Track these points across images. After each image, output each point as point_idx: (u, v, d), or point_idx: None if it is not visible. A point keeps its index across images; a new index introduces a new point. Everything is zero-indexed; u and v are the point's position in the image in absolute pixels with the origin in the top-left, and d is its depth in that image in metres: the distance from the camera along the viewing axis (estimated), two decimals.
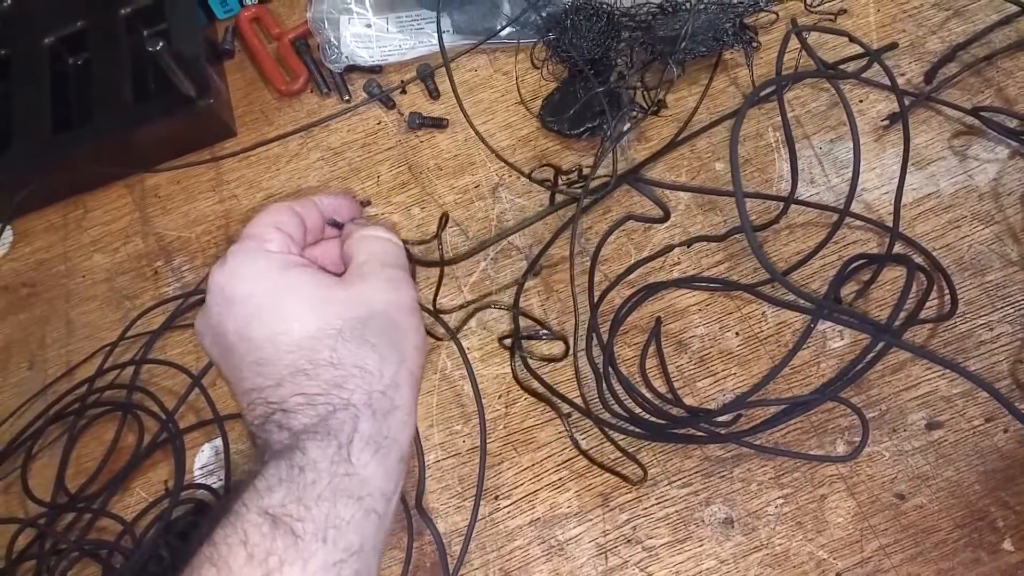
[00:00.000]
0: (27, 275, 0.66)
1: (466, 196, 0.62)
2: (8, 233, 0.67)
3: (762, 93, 0.61)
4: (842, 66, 0.61)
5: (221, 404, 0.57)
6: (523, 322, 0.57)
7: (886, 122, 0.60)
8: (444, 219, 0.50)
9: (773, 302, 0.54)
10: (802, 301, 0.52)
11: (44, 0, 0.74)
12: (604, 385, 0.53)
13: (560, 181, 0.59)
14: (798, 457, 0.50)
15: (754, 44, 0.63)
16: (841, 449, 0.50)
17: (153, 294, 0.63)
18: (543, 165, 0.60)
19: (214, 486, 0.54)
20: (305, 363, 0.35)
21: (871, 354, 0.50)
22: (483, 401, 0.54)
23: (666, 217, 0.50)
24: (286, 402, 0.35)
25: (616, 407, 0.53)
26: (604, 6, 0.65)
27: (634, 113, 0.63)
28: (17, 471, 0.57)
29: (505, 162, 0.60)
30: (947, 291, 0.53)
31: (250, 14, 0.74)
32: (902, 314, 0.51)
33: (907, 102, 0.59)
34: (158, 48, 0.61)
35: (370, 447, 0.34)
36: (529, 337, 0.56)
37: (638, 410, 0.52)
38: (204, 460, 0.56)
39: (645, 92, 0.63)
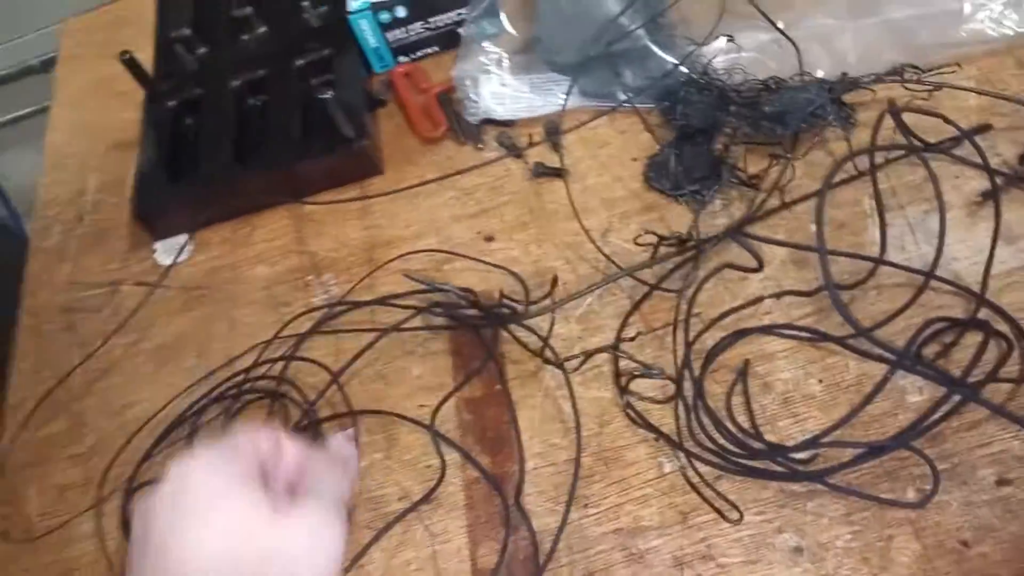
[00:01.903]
0: (201, 279, 0.77)
1: (578, 239, 0.70)
2: (191, 243, 0.79)
3: (850, 160, 0.66)
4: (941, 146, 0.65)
5: (355, 400, 0.65)
6: (626, 362, 0.63)
7: (979, 198, 0.64)
8: (555, 281, 0.62)
9: (855, 351, 0.59)
10: (884, 352, 0.56)
11: (235, 51, 0.87)
12: (693, 417, 0.58)
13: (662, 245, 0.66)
14: (870, 499, 0.54)
15: (851, 120, 0.68)
16: (911, 495, 0.54)
17: (304, 303, 0.73)
18: (647, 232, 0.67)
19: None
20: None
21: (947, 406, 0.53)
22: (580, 420, 0.60)
23: (760, 267, 0.56)
24: None
25: (702, 437, 0.58)
26: (716, 82, 0.72)
27: (732, 182, 0.69)
28: (181, 442, 0.67)
29: (603, 253, 0.67)
30: None
31: (403, 70, 0.84)
32: (981, 374, 0.54)
33: (1000, 181, 0.63)
34: (327, 96, 0.72)
35: None
36: (643, 375, 0.62)
37: (722, 441, 0.57)
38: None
39: (745, 174, 0.69)
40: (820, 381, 0.59)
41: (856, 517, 0.54)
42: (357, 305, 0.71)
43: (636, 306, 0.65)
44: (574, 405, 0.61)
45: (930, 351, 0.58)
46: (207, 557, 0.37)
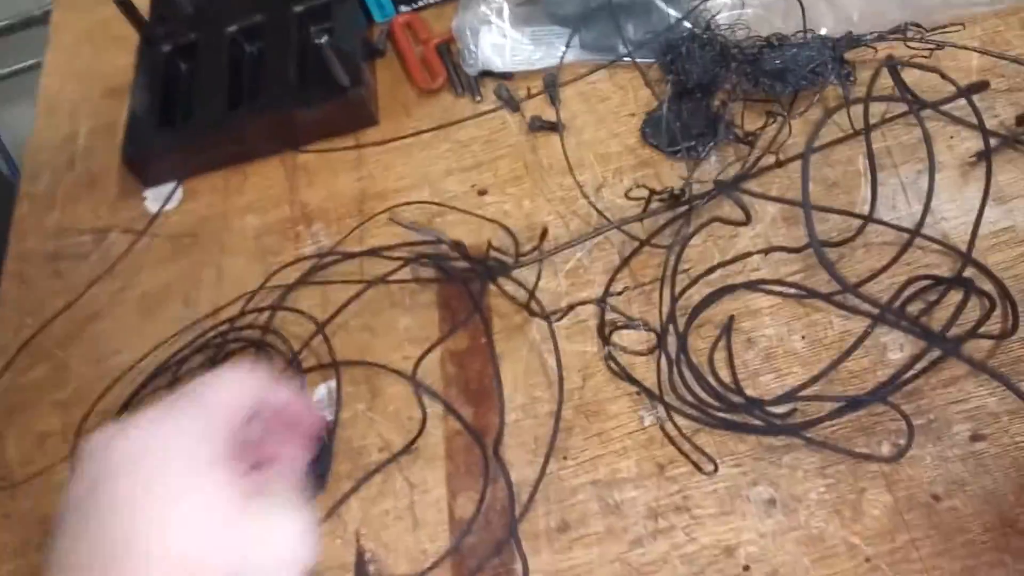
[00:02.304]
0: (191, 227, 0.77)
1: (571, 193, 0.70)
2: (180, 191, 0.79)
3: (843, 110, 0.65)
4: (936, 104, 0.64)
5: (341, 352, 0.66)
6: (611, 315, 0.63)
7: (973, 159, 0.63)
8: (544, 232, 0.62)
9: (841, 307, 0.59)
10: (866, 306, 0.56)
11: None
12: (675, 371, 0.59)
13: (654, 199, 0.65)
14: (845, 453, 0.54)
15: (851, 78, 0.68)
16: (886, 450, 0.54)
17: (292, 253, 0.73)
18: (639, 186, 0.66)
19: (327, 419, 0.63)
20: None
21: (925, 361, 0.54)
22: (563, 373, 0.61)
23: (748, 220, 0.56)
24: None
25: (683, 391, 0.58)
26: (719, 38, 0.71)
27: (728, 139, 0.68)
28: (163, 391, 0.67)
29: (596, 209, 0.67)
30: (1010, 315, 0.56)
31: (404, 20, 0.84)
32: (963, 332, 0.54)
33: (995, 142, 0.62)
34: (323, 41, 0.71)
35: None
36: (625, 327, 0.62)
37: (703, 395, 0.58)
38: (319, 396, 0.65)
39: (742, 131, 0.68)
40: (803, 337, 0.59)
41: (831, 470, 0.54)
42: (346, 256, 0.71)
43: (625, 262, 0.65)
44: (558, 358, 0.61)
45: (914, 308, 0.58)
46: (165, 558, 0.33)
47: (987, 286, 0.57)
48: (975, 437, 0.53)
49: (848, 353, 0.54)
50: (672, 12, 0.74)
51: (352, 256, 0.71)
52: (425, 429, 0.61)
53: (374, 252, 0.70)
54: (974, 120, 0.62)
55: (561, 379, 0.61)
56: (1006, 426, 0.53)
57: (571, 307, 0.63)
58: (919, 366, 0.54)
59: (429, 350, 0.64)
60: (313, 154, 0.78)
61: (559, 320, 0.63)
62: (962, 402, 0.54)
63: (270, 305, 0.70)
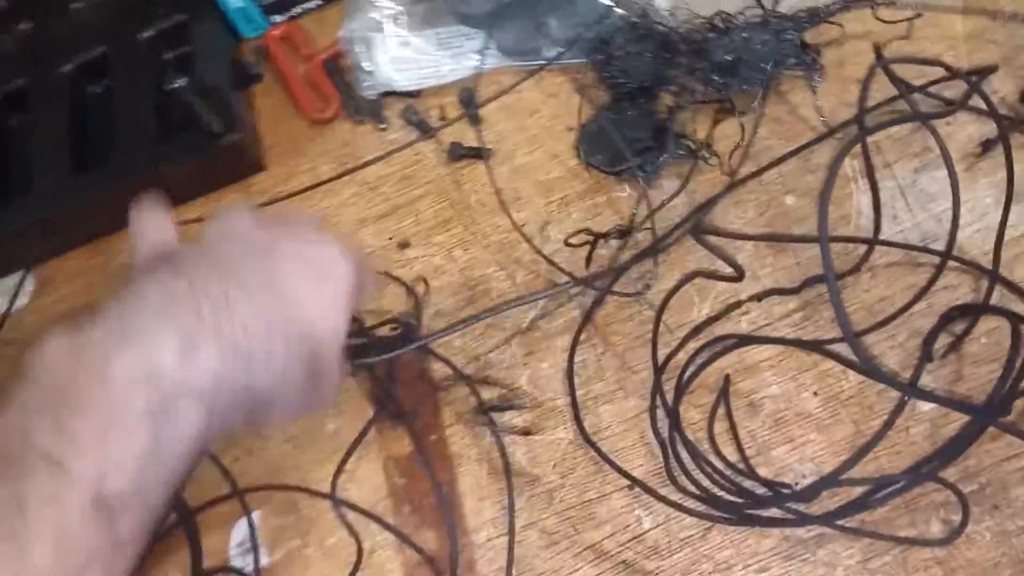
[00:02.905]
0: (50, 327, 0.62)
1: (511, 236, 0.58)
2: (30, 281, 0.64)
3: (847, 139, 0.55)
4: (928, 87, 0.55)
5: (252, 475, 0.53)
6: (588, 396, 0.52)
7: (979, 149, 0.54)
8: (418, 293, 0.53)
9: (852, 367, 0.49)
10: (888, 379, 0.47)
11: (63, 23, 0.70)
12: (671, 456, 0.48)
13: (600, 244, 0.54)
14: (889, 540, 0.45)
15: (817, 66, 0.57)
16: (936, 528, 0.45)
17: None
18: (579, 231, 0.55)
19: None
20: None
21: (970, 432, 0.44)
22: (537, 470, 0.50)
23: (740, 276, 0.45)
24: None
25: (684, 481, 0.48)
26: (658, 26, 0.59)
27: (680, 153, 0.57)
28: None
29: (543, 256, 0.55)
30: None
31: (279, 33, 0.69)
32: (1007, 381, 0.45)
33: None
34: (178, 86, 0.57)
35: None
36: (497, 408, 0.52)
37: (708, 484, 0.48)
38: (237, 539, 0.52)
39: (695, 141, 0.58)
40: (815, 394, 0.50)
41: (876, 564, 0.45)
42: None
43: (587, 318, 0.54)
44: (506, 467, 0.50)
45: (940, 341, 0.49)
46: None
47: (1019, 306, 0.49)
48: None
49: (879, 437, 0.45)
50: None
51: None
52: (362, 565, 0.49)
53: None
54: (971, 101, 0.52)
55: (511, 485, 0.50)
56: None
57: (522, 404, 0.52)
58: (966, 432, 0.45)
59: (345, 459, 0.52)
60: (193, 212, 0.64)
61: (523, 410, 0.52)
62: (1016, 458, 0.46)
63: None
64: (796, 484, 0.48)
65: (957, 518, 0.45)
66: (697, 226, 0.51)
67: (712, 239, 0.45)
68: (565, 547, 0.48)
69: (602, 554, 0.48)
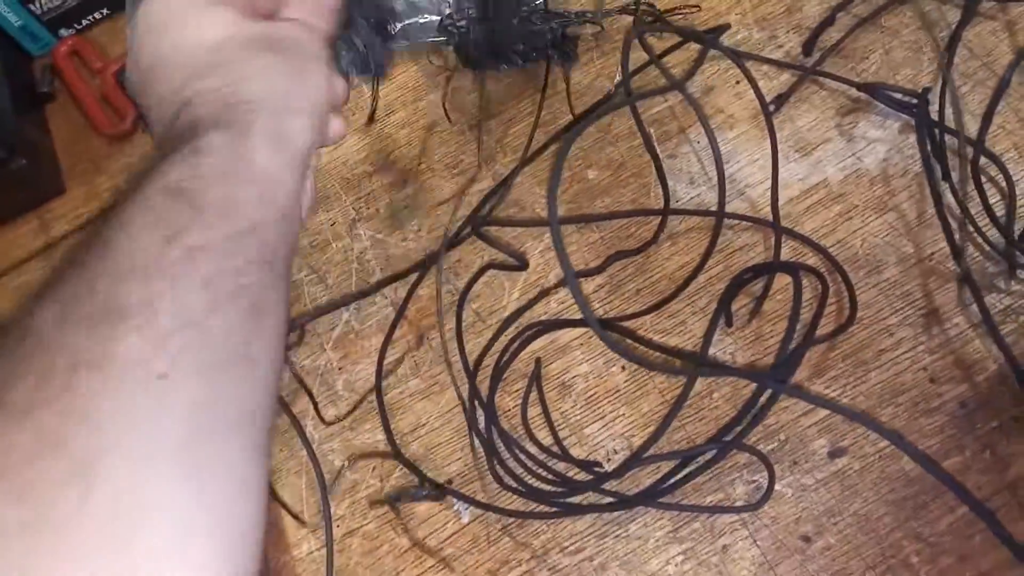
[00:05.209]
0: None
1: (321, 237, 0.56)
2: None
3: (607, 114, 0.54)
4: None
5: None
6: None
7: (772, 106, 0.54)
8: None
9: (648, 344, 0.49)
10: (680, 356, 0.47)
11: None
12: (493, 457, 0.48)
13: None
14: (698, 511, 0.46)
15: (571, 57, 0.56)
16: (741, 490, 0.46)
17: None
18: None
19: None
20: (213, 60, 0.36)
21: (764, 398, 0.45)
22: (356, 476, 0.49)
23: (524, 266, 0.44)
24: (190, 98, 0.34)
25: (502, 472, 0.48)
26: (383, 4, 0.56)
27: None
28: None
29: None
30: (845, 294, 0.48)
31: (68, 47, 0.65)
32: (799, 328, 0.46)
33: (786, 79, 0.53)
34: None
35: (267, 140, 0.34)
36: (408, 499, 0.50)
37: (522, 472, 0.48)
38: None
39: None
40: (624, 368, 0.50)
41: (685, 532, 0.46)
42: None
43: (400, 314, 0.53)
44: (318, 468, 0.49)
45: (740, 303, 0.50)
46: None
47: (812, 259, 0.50)
48: (834, 452, 0.45)
49: (677, 408, 0.45)
50: None
51: None
52: None
53: None
54: (768, 55, 0.53)
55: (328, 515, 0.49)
56: (864, 432, 0.45)
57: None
58: (759, 404, 0.45)
59: None
60: None
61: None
62: (812, 412, 0.47)
63: None
64: (608, 460, 0.48)
65: (760, 478, 0.46)
66: (474, 225, 0.51)
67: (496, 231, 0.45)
68: (386, 551, 0.48)
69: (424, 553, 0.47)
